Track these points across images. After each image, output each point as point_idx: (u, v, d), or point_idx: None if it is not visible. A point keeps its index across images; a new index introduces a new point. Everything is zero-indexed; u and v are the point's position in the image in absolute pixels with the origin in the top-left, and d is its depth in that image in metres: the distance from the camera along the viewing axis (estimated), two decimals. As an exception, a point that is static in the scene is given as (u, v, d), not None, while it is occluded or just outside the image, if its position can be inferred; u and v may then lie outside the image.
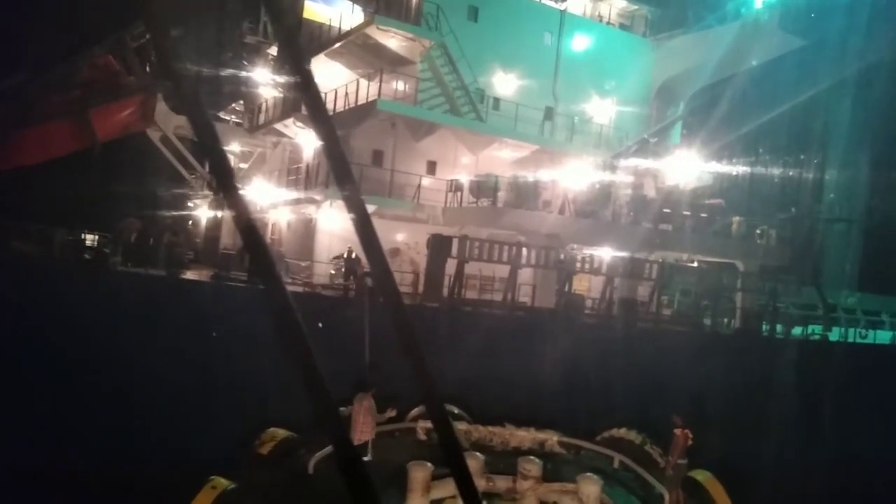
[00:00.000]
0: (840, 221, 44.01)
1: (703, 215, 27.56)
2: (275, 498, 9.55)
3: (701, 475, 11.48)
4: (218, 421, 13.51)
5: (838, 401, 20.41)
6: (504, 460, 9.98)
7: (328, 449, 10.40)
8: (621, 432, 14.26)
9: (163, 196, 34.63)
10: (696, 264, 29.16)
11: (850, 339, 26.79)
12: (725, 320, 26.56)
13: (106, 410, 14.19)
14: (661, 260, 25.82)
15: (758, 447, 17.69)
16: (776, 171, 41.59)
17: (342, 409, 11.91)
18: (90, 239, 26.28)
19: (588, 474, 8.87)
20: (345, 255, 23.33)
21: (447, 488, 8.49)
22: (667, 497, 10.16)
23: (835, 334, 27.30)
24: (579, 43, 32.52)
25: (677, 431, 10.89)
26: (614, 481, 10.64)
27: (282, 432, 12.53)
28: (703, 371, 19.41)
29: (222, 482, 9.84)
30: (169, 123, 34.28)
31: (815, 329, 27.63)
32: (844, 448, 19.62)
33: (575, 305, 22.74)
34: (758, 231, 29.17)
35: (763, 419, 19.18)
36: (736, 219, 28.76)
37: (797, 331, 27.02)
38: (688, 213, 27.24)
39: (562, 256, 23.38)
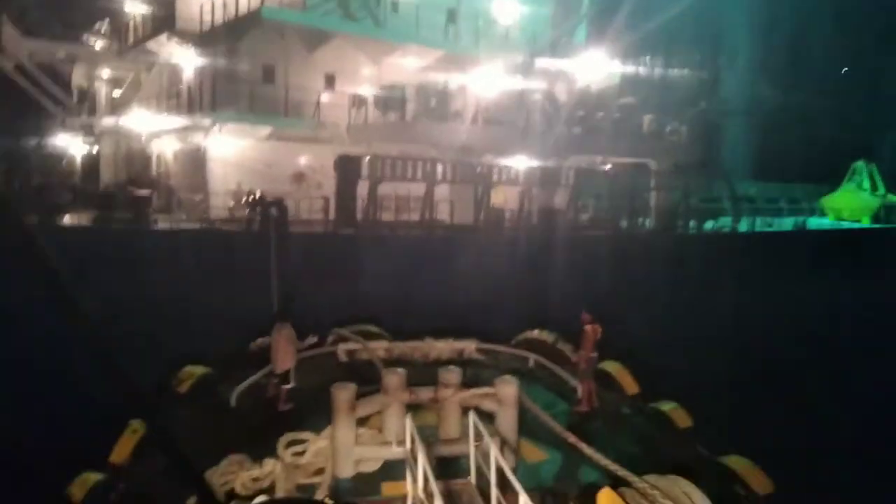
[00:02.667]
0: (737, 114, 44.69)
1: (616, 115, 26.46)
2: (198, 434, 9.09)
3: (610, 365, 11.81)
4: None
5: (745, 288, 20.37)
6: (425, 372, 9.74)
7: (248, 381, 10.73)
8: (535, 334, 14.20)
9: (26, 133, 30.10)
10: (608, 167, 28.30)
11: (758, 229, 27.03)
12: (640, 220, 26.11)
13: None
14: (575, 166, 24.75)
15: (667, 336, 17.53)
16: (680, 68, 41.10)
17: (261, 339, 11.98)
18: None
19: (505, 376, 8.79)
20: (249, 194, 20.84)
21: (372, 406, 8.47)
22: (580, 389, 10.54)
23: (743, 225, 27.48)
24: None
25: (587, 327, 10.88)
26: (530, 380, 10.82)
27: (199, 369, 11.91)
28: (621, 272, 18.97)
29: (141, 425, 9.30)
30: (21, 49, 29.57)
31: (725, 222, 27.69)
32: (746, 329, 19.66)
33: (495, 219, 21.35)
34: (668, 128, 28.49)
35: (675, 311, 18.91)
36: (647, 117, 27.88)
37: (709, 224, 26.95)
38: (601, 113, 26.03)
39: (478, 169, 21.77)
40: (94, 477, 8.97)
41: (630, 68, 30.90)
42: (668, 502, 6.04)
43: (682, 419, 9.98)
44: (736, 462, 8.81)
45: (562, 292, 17.51)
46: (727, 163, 33.98)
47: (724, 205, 28.03)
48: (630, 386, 11.48)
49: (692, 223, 25.77)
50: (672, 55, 36.18)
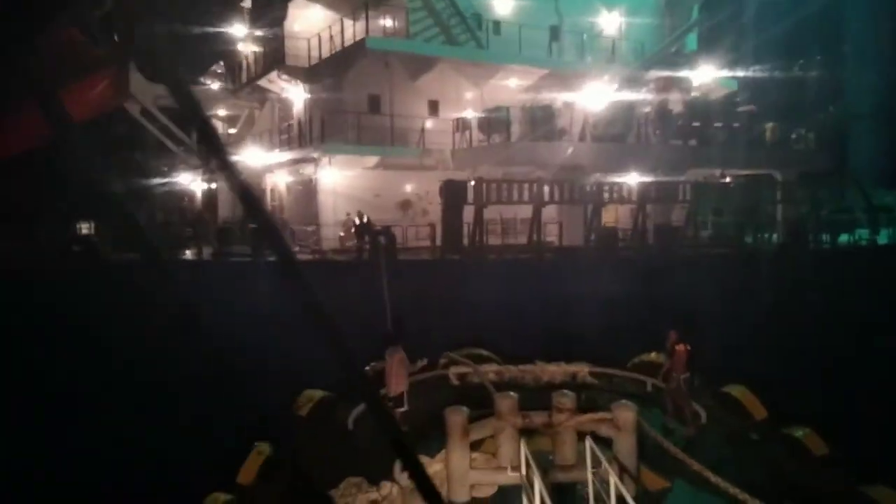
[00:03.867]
0: (865, 118, 41.88)
1: (736, 125, 25.51)
2: (318, 456, 9.92)
3: (735, 389, 11.59)
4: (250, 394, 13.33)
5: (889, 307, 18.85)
6: (538, 396, 9.94)
7: (364, 405, 10.56)
8: (651, 357, 14.23)
9: (151, 173, 32.92)
10: (728, 180, 27.29)
11: (900, 240, 25.13)
12: (766, 236, 24.93)
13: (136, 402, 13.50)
14: (692, 180, 24.08)
15: (803, 359, 16.53)
16: (802, 71, 39.12)
17: (374, 363, 12.34)
18: (86, 228, 25.04)
19: (622, 401, 8.75)
20: (356, 221, 21.76)
21: (485, 430, 8.67)
22: (702, 414, 10.47)
23: (882, 237, 25.61)
24: (577, -48, 29.97)
25: (678, 347, 10.91)
26: (649, 404, 10.86)
27: (318, 392, 12.82)
28: (748, 291, 18.18)
29: (267, 447, 10.23)
30: (147, 95, 32.39)
31: (862, 234, 25.92)
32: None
33: (607, 239, 21.08)
34: (793, 136, 27.14)
35: (810, 332, 17.77)
36: (769, 125, 26.69)
37: (843, 238, 25.30)
38: (719, 124, 25.20)
39: (587, 188, 21.65)
40: (222, 497, 9.70)
41: (748, 74, 29.84)
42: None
43: (818, 446, 9.50)
44: (882, 494, 8.28)
45: (681, 314, 17.09)
46: (857, 170, 31.83)
47: (859, 216, 26.25)
48: (757, 410, 11.08)
49: (825, 237, 24.32)
50: (792, 58, 34.64)
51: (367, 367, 13.67)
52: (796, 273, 20.32)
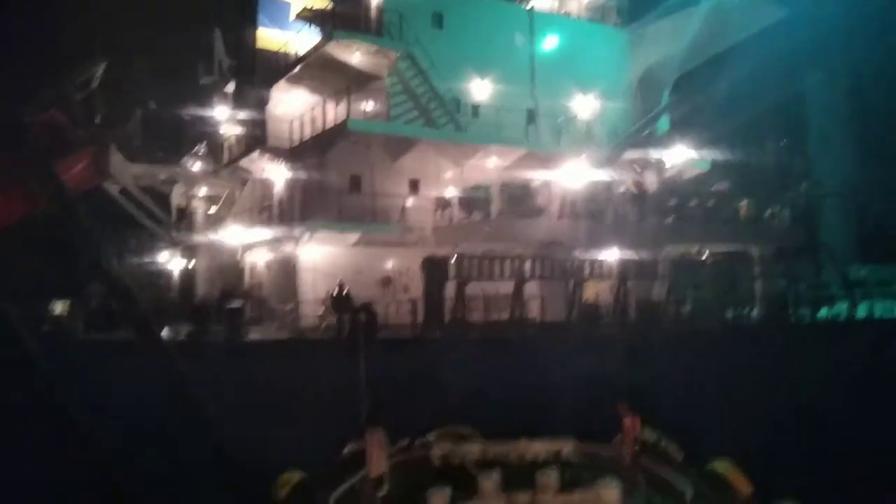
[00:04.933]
0: (835, 195, 43.66)
1: (711, 202, 26.55)
2: None
3: (721, 465, 11.38)
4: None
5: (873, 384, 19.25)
6: (522, 475, 9.77)
7: (344, 487, 10.97)
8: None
9: (128, 253, 33.13)
10: (705, 256, 28.09)
11: (879, 315, 25.80)
12: (746, 310, 25.51)
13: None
14: (670, 256, 24.81)
15: (790, 435, 16.72)
16: (770, 151, 41.02)
17: (353, 444, 12.15)
18: (59, 308, 24.95)
19: (606, 479, 8.85)
20: (333, 293, 22.00)
21: None
22: (688, 492, 10.29)
23: (861, 311, 26.30)
24: (551, 41, 31.81)
25: (626, 420, 11.00)
26: (634, 482, 10.54)
27: (296, 474, 12.06)
28: (733, 367, 18.48)
29: None
30: (126, 174, 33.04)
31: (840, 309, 26.60)
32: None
33: (590, 315, 21.49)
34: (767, 213, 28.22)
35: (796, 407, 18.04)
36: (744, 202, 27.78)
37: (823, 312, 25.94)
38: (694, 202, 26.21)
39: (567, 264, 22.21)
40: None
41: (719, 155, 31.27)
42: None
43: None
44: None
45: (666, 390, 17.30)
46: (828, 246, 32.95)
47: (834, 290, 27.05)
48: (743, 486, 11.14)
49: (804, 312, 24.96)
50: (762, 137, 36.35)
51: (346, 448, 13.61)
52: (782, 349, 20.75)
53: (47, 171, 22.99)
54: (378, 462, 10.79)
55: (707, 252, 27.60)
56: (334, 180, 26.52)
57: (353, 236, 25.37)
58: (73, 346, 19.16)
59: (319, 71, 28.03)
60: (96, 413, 14.69)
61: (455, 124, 28.26)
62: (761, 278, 26.05)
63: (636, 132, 29.45)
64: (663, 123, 33.54)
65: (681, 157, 28.45)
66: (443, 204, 25.89)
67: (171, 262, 34.24)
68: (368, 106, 28.30)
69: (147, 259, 33.63)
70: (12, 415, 14.30)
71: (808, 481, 10.64)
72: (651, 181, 27.67)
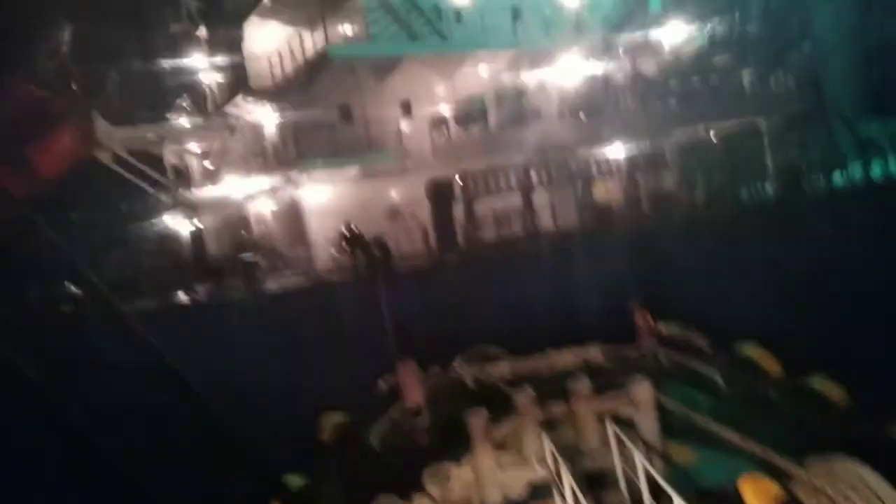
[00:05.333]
0: (839, 48, 41.99)
1: (714, 77, 25.70)
2: (349, 480, 10.16)
3: (748, 348, 11.90)
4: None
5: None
6: (554, 386, 9.98)
7: (386, 420, 11.64)
8: (662, 329, 14.25)
9: (131, 219, 33.05)
10: (713, 137, 27.49)
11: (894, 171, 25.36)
12: (760, 187, 25.15)
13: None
14: (677, 142, 24.34)
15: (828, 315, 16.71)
16: (768, 11, 39.26)
17: (387, 377, 12.92)
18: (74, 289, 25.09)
19: (638, 377, 8.92)
20: (345, 232, 21.88)
21: (507, 428, 8.86)
22: (719, 380, 10.72)
23: (876, 170, 25.83)
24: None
25: (637, 316, 11.91)
26: (664, 377, 10.91)
27: (336, 415, 13.06)
28: (756, 248, 18.36)
29: (296, 479, 10.60)
30: (114, 140, 32.48)
31: (855, 171, 26.10)
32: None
33: (603, 216, 21.30)
34: (772, 80, 27.38)
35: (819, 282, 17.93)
36: (746, 72, 26.91)
37: (838, 178, 25.47)
38: (696, 80, 25.40)
39: (573, 166, 21.88)
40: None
41: (715, 26, 30.01)
42: (845, 488, 5.95)
43: (836, 394, 9.73)
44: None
45: (686, 281, 17.26)
46: (838, 104, 31.90)
47: (846, 151, 26.44)
48: (773, 367, 11.31)
49: (819, 178, 24.53)
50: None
51: (381, 381, 13.88)
52: (799, 224, 20.44)
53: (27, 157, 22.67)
54: (413, 392, 11.34)
55: (714, 132, 26.99)
56: (323, 114, 25.86)
57: (352, 170, 24.95)
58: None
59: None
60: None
61: (439, 34, 27.20)
62: (772, 150, 25.55)
63: (627, 14, 28.31)
64: (654, 3, 32.17)
65: (676, 34, 27.37)
66: (438, 122, 25.26)
67: (177, 222, 34.08)
68: (346, 29, 27.23)
69: (152, 222, 33.50)
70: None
71: (836, 356, 10.73)
72: (649, 65, 26.79)
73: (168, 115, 35.81)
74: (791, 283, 16.96)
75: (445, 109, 25.69)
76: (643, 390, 8.63)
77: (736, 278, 17.51)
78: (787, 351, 12.01)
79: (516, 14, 28.89)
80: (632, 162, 22.72)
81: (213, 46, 33.50)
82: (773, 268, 17.61)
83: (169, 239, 33.27)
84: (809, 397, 9.88)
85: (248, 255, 23.77)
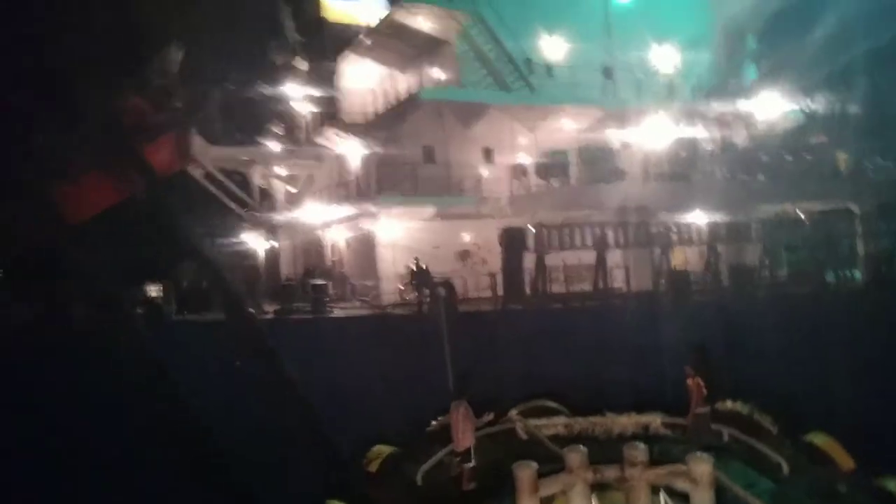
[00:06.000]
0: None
1: (808, 157, 25.11)
2: None
3: (819, 438, 11.40)
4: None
5: None
6: (609, 449, 9.60)
7: (432, 460, 11.56)
8: (728, 405, 13.58)
9: (214, 235, 34.44)
10: (802, 215, 26.72)
11: None
12: (848, 273, 24.19)
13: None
14: (763, 217, 23.75)
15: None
16: (868, 97, 38.30)
17: (441, 418, 12.75)
18: (154, 291, 26.26)
19: (697, 452, 8.22)
20: (413, 268, 22.25)
21: (555, 485, 8.34)
22: (784, 465, 10.36)
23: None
24: (626, -11, 30.51)
25: (689, 381, 11.16)
26: (726, 455, 10.56)
27: (387, 448, 12.95)
28: (838, 334, 17.60)
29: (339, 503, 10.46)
30: (207, 157, 34.17)
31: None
32: None
33: (680, 283, 20.85)
34: (871, 166, 26.52)
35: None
36: (842, 156, 26.19)
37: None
38: (788, 156, 24.87)
39: (653, 229, 21.60)
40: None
41: (812, 105, 29.47)
42: None
43: (912, 499, 9.17)
44: None
45: (763, 360, 16.68)
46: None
47: None
48: (844, 460, 10.75)
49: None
50: (855, 86, 33.88)
51: (434, 423, 13.90)
52: (884, 314, 19.57)
53: (138, 158, 24.12)
54: (464, 436, 11.02)
55: (803, 211, 26.24)
56: (408, 152, 26.58)
57: (429, 210, 25.46)
58: (167, 326, 20.15)
59: (388, 39, 27.94)
60: (189, 391, 15.59)
61: (528, 86, 27.66)
62: (864, 237, 24.60)
63: (721, 82, 28.13)
64: (751, 73, 31.88)
65: (771, 108, 26.96)
66: (519, 171, 25.51)
67: (256, 242, 35.37)
68: (439, 73, 28.07)
69: (232, 240, 34.86)
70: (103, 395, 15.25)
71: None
72: (740, 136, 26.43)
73: (260, 140, 37.53)
74: (872, 375, 16.20)
75: (527, 160, 25.94)
76: (702, 465, 8.32)
77: (813, 363, 16.84)
78: (861, 446, 11.50)
79: (607, 73, 29.12)
80: (714, 232, 22.24)
81: (311, 79, 35.06)
82: (853, 357, 16.85)
83: (246, 256, 34.53)
84: (881, 497, 9.34)
85: (318, 281, 24.40)
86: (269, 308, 22.89)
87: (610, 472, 8.81)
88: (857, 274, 24.28)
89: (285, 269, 33.83)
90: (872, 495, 9.62)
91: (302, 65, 36.84)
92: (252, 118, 39.23)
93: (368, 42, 28.38)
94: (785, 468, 10.30)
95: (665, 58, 30.83)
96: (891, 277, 22.93)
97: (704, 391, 11.25)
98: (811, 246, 23.66)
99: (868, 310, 19.58)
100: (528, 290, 20.14)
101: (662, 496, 7.53)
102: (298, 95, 35.69)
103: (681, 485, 8.45)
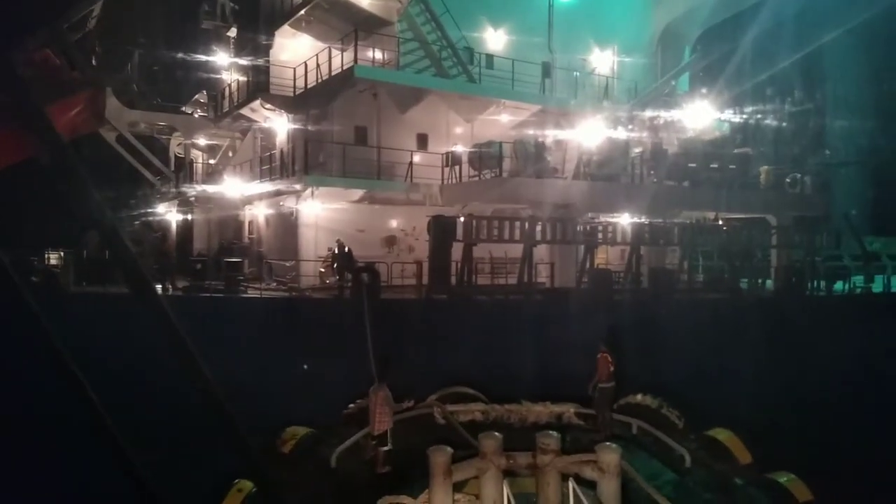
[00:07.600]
0: (851, 164, 43.45)
1: (732, 167, 26.33)
2: (301, 494, 10.16)
3: (720, 433, 12.20)
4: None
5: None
6: (522, 437, 10.08)
7: (348, 442, 11.78)
8: (638, 398, 14.70)
9: (124, 203, 33.24)
10: (721, 223, 28.06)
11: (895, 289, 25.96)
12: (761, 281, 25.63)
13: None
14: (686, 222, 24.80)
15: (803, 408, 16.96)
16: (791, 115, 40.56)
17: (359, 401, 13.15)
18: (54, 258, 25.07)
19: (606, 443, 8.98)
20: (335, 251, 22.11)
21: (468, 470, 8.88)
22: (687, 458, 10.98)
23: (877, 285, 26.42)
24: (570, -11, 31.21)
25: (599, 356, 12.22)
26: (634, 447, 11.32)
27: (301, 429, 13.20)
28: (751, 338, 18.66)
29: (247, 484, 10.42)
30: (123, 121, 32.91)
31: (857, 281, 26.70)
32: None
33: (601, 281, 21.54)
34: (788, 180, 28.07)
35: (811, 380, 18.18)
36: (764, 168, 27.60)
37: (839, 286, 26.00)
38: (715, 165, 26.01)
39: (579, 227, 22.20)
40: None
41: (738, 116, 30.96)
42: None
43: (802, 492, 9.87)
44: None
45: (674, 357, 17.51)
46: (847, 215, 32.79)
47: (848, 263, 27.19)
48: (742, 455, 11.51)
49: (821, 284, 25.05)
50: (780, 102, 35.88)
51: (351, 406, 13.98)
52: (796, 322, 20.80)
53: (41, 117, 22.90)
54: (381, 419, 11.39)
55: (723, 219, 27.58)
56: (339, 132, 26.31)
57: (357, 193, 25.29)
58: (63, 297, 19.25)
59: (325, 14, 27.48)
60: (81, 366, 15.03)
61: (468, 76, 27.90)
62: (779, 248, 26.05)
63: (656, 90, 29.10)
64: (683, 83, 33.12)
65: (700, 117, 28.15)
66: (452, 160, 25.66)
67: (169, 213, 34.29)
68: (377, 54, 27.89)
69: (144, 210, 33.70)
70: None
71: (806, 457, 10.93)
72: (670, 143, 27.45)
73: (181, 107, 36.36)
74: (773, 380, 17.25)
75: (462, 149, 26.14)
76: (610, 455, 8.70)
77: (719, 365, 17.82)
78: (760, 441, 12.32)
79: (547, 70, 29.71)
80: (638, 234, 23.07)
81: (241, 49, 34.23)
82: (759, 360, 17.93)
83: (158, 228, 33.43)
84: (774, 491, 10.01)
85: (233, 258, 23.89)
86: (179, 284, 22.26)
87: (522, 459, 9.12)
88: (769, 283, 25.71)
89: (199, 245, 32.95)
90: (764, 487, 10.30)
91: (232, 32, 35.91)
92: (174, 83, 38.01)
93: (306, 15, 27.87)
94: (687, 460, 10.91)
95: (603, 60, 31.76)
96: (800, 288, 24.41)
97: (612, 367, 12.13)
98: (728, 254, 24.90)
99: (777, 317, 20.80)
100: (453, 281, 20.34)
101: (571, 484, 7.83)
102: (226, 64, 34.82)
103: (589, 473, 8.85)
